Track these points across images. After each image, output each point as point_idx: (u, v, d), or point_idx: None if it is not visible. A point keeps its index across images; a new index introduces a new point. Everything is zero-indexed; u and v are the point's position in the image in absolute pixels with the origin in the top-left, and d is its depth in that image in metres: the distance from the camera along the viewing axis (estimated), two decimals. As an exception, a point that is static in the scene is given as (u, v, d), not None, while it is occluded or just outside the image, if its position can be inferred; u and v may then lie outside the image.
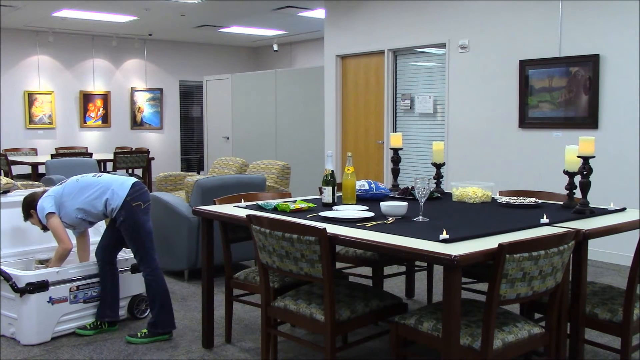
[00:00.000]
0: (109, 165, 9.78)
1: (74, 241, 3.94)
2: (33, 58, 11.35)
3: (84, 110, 11.90)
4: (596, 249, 5.48)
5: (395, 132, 7.48)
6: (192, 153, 13.72)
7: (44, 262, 3.94)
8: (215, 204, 3.72)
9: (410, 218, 3.07)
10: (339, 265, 4.16)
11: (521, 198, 3.69)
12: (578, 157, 3.25)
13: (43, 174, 7.62)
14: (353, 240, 2.71)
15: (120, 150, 10.64)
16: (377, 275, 4.25)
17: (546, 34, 6.03)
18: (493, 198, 3.78)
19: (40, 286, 3.66)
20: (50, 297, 3.71)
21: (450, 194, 3.90)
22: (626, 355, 2.87)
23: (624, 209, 3.39)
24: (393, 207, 3.13)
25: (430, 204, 3.50)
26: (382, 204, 3.19)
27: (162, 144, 12.98)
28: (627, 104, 5.55)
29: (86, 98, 11.90)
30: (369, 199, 3.71)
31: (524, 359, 3.11)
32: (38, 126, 11.39)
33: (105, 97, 12.14)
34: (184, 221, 4.96)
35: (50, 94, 11.48)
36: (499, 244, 2.35)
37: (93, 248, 4.09)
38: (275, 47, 12.23)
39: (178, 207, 5.01)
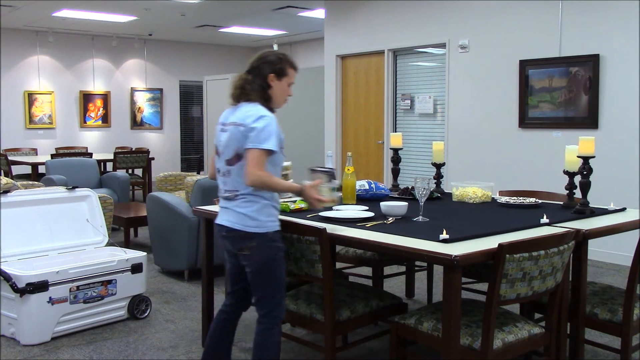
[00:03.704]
0: (109, 165, 9.79)
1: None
2: (33, 58, 11.35)
3: (84, 110, 11.90)
4: (596, 249, 5.48)
5: (395, 132, 7.47)
6: (192, 153, 13.72)
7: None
8: (215, 204, 3.71)
9: (410, 218, 3.07)
10: (339, 265, 4.16)
11: (521, 198, 3.69)
12: (578, 157, 3.25)
13: (43, 174, 7.62)
14: (353, 240, 2.71)
15: (120, 150, 10.64)
16: (377, 275, 4.25)
17: (546, 34, 6.03)
18: (493, 198, 3.77)
19: (40, 286, 3.66)
20: (50, 297, 3.70)
21: (450, 194, 3.90)
22: (626, 355, 2.87)
23: (624, 209, 3.39)
24: (393, 207, 3.13)
25: (430, 204, 3.49)
26: (382, 204, 3.19)
27: (162, 144, 12.98)
28: (627, 104, 5.55)
29: (86, 98, 11.91)
30: (369, 199, 3.71)
31: (524, 359, 3.11)
32: (38, 126, 11.39)
33: (105, 97, 12.14)
34: (184, 221, 4.96)
35: (50, 94, 11.48)
36: (499, 244, 2.35)
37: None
38: (275, 47, 12.22)
39: (178, 207, 5.01)
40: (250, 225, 2.65)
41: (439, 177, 4.08)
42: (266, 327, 2.73)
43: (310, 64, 12.00)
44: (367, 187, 3.74)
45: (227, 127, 2.74)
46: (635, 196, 5.40)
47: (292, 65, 2.79)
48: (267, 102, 2.73)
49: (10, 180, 4.61)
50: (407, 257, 2.62)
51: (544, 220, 2.95)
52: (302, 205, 3.43)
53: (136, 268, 4.12)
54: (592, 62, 5.71)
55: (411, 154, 7.24)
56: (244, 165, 2.62)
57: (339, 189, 2.83)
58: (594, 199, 3.45)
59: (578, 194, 3.34)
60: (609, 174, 5.50)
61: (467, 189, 3.73)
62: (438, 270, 4.37)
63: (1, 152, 9.66)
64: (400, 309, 3.08)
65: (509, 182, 5.96)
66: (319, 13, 9.19)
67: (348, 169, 3.59)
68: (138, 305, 4.14)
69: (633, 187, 5.48)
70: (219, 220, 2.80)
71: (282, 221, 2.87)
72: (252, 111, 2.66)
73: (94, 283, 3.92)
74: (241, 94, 2.73)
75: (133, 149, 10.37)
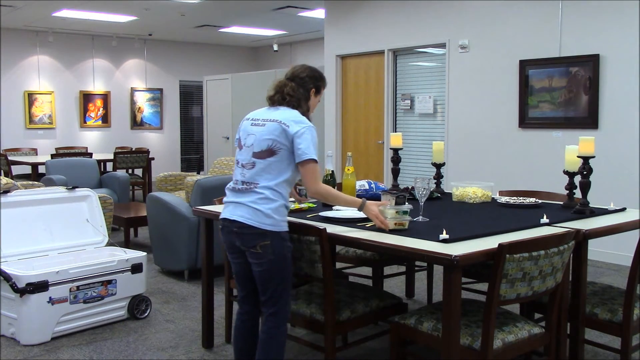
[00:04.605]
0: (109, 165, 9.78)
1: None
2: (33, 58, 11.35)
3: (84, 110, 11.91)
4: (596, 249, 5.48)
5: (395, 132, 7.48)
6: (192, 153, 13.72)
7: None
8: (215, 204, 3.72)
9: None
10: (339, 265, 4.16)
11: (521, 198, 3.69)
12: (578, 157, 3.25)
13: (43, 174, 7.62)
14: (353, 240, 2.71)
15: (120, 150, 10.64)
16: (377, 275, 4.25)
17: (546, 34, 6.03)
18: (493, 198, 3.77)
19: (40, 286, 3.66)
20: (50, 297, 3.70)
21: (450, 194, 3.90)
22: (626, 355, 2.87)
23: (624, 209, 3.39)
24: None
25: (430, 204, 3.49)
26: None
27: (162, 144, 12.98)
28: (627, 104, 5.55)
29: (86, 98, 11.91)
30: (369, 199, 3.70)
31: (524, 359, 3.11)
32: (38, 126, 11.39)
33: (105, 97, 12.14)
34: (184, 221, 4.96)
35: (50, 94, 11.48)
36: (499, 244, 2.35)
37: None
38: (275, 47, 12.23)
39: (178, 207, 5.01)
40: (266, 223, 2.63)
41: (439, 177, 4.08)
42: (273, 326, 2.73)
43: (310, 64, 11.95)
44: (367, 187, 3.74)
45: (264, 122, 2.74)
46: (635, 196, 5.40)
47: (325, 85, 2.95)
48: (307, 112, 2.82)
49: (10, 180, 4.61)
50: (407, 257, 2.61)
51: (544, 220, 2.95)
52: (303, 205, 3.43)
53: (136, 268, 4.12)
54: (592, 62, 5.71)
55: (411, 154, 7.24)
56: (275, 163, 2.66)
57: (408, 212, 2.82)
58: (594, 199, 3.45)
59: (578, 194, 3.34)
60: (609, 174, 5.50)
61: (467, 189, 3.73)
62: (438, 270, 4.37)
63: (1, 152, 9.66)
64: (400, 309, 3.08)
65: (509, 182, 5.96)
66: (319, 13, 9.19)
67: (348, 169, 3.59)
68: (138, 305, 4.14)
69: (633, 187, 5.48)
70: (228, 215, 2.73)
71: (282, 221, 2.87)
72: (297, 117, 2.72)
73: (94, 283, 3.92)
74: (289, 101, 2.78)
75: (133, 149, 10.36)
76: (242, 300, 2.91)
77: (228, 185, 2.81)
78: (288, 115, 2.72)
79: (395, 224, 2.74)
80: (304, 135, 2.66)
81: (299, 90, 2.81)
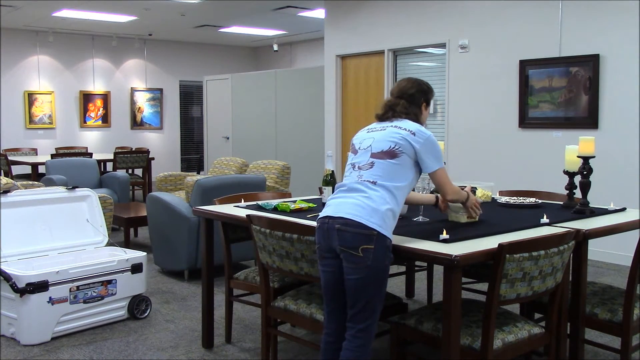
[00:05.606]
0: (109, 165, 9.79)
1: None
2: (33, 58, 11.35)
3: (84, 110, 11.91)
4: (596, 249, 5.48)
5: (395, 132, 7.46)
6: (192, 153, 13.72)
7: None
8: (215, 204, 3.72)
9: (410, 218, 3.07)
10: (339, 265, 4.15)
11: (521, 198, 3.69)
12: (578, 157, 3.25)
13: (43, 174, 7.62)
14: (353, 240, 2.70)
15: (120, 150, 10.64)
16: (377, 275, 4.24)
17: (546, 34, 6.03)
18: (493, 198, 3.78)
19: (40, 286, 3.66)
20: (50, 297, 3.70)
21: (450, 194, 3.89)
22: (626, 355, 2.87)
23: (624, 209, 3.39)
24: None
25: (430, 204, 3.49)
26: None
27: (162, 144, 12.98)
28: (627, 104, 5.55)
29: (86, 98, 11.91)
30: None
31: (524, 359, 3.11)
32: (38, 126, 11.40)
33: (105, 97, 12.15)
34: (184, 221, 4.96)
35: (50, 94, 11.49)
36: (499, 244, 2.35)
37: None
38: (275, 47, 12.23)
39: (178, 207, 5.01)
40: (374, 222, 2.42)
41: (439, 177, 4.07)
42: (362, 344, 2.49)
43: (310, 64, 12.01)
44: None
45: (384, 127, 2.67)
46: (635, 196, 5.40)
47: (433, 94, 2.91)
48: (422, 125, 2.77)
49: (10, 180, 4.61)
50: (407, 257, 2.60)
51: (544, 220, 2.95)
52: (302, 205, 3.44)
53: (136, 268, 4.12)
54: (592, 62, 5.71)
55: (411, 154, 7.22)
56: (395, 166, 2.54)
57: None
58: (594, 199, 3.45)
59: (578, 194, 3.34)
60: (609, 174, 5.50)
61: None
62: (438, 270, 4.37)
63: (1, 152, 9.66)
64: (400, 309, 3.08)
65: (509, 182, 5.96)
66: (319, 13, 9.19)
67: (348, 169, 3.58)
68: (138, 305, 4.14)
69: (633, 187, 5.48)
70: (331, 212, 2.53)
71: (282, 221, 2.88)
72: (418, 126, 2.66)
73: (94, 283, 3.91)
74: (405, 117, 2.72)
75: (133, 149, 10.37)
76: (327, 316, 2.65)
77: (338, 186, 2.65)
78: (408, 124, 2.65)
79: (467, 217, 2.90)
80: (431, 146, 2.59)
81: (411, 107, 2.74)
